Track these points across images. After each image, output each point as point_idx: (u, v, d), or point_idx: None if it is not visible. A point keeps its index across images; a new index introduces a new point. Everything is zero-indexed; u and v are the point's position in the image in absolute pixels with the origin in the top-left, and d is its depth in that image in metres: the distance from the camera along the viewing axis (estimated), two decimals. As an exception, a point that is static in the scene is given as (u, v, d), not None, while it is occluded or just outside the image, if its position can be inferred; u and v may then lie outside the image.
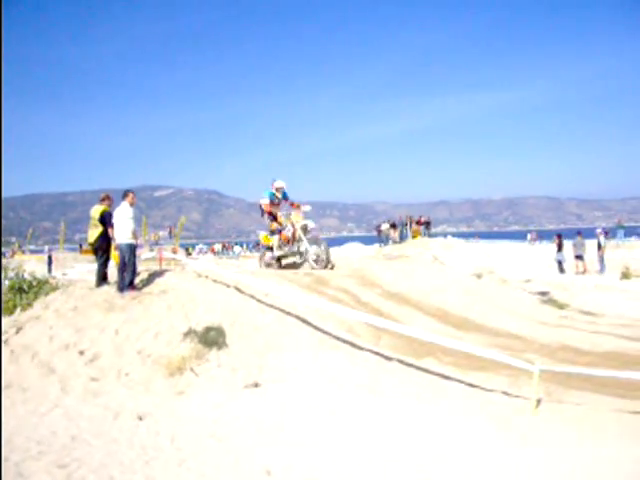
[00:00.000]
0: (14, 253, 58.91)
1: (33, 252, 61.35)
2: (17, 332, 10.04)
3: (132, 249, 11.32)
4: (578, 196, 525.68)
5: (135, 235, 11.44)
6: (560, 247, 26.99)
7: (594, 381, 8.44)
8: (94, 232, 11.47)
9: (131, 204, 11.55)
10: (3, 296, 11.68)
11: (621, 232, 43.53)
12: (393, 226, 40.27)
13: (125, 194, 11.59)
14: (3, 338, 9.80)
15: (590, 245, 27.64)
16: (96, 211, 11.47)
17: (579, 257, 26.50)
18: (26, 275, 12.80)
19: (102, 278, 11.78)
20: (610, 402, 7.68)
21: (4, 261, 27.80)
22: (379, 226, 42.08)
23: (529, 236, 56.09)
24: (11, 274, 12.54)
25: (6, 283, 12.23)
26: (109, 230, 11.30)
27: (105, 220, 11.35)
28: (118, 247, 11.26)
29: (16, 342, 9.71)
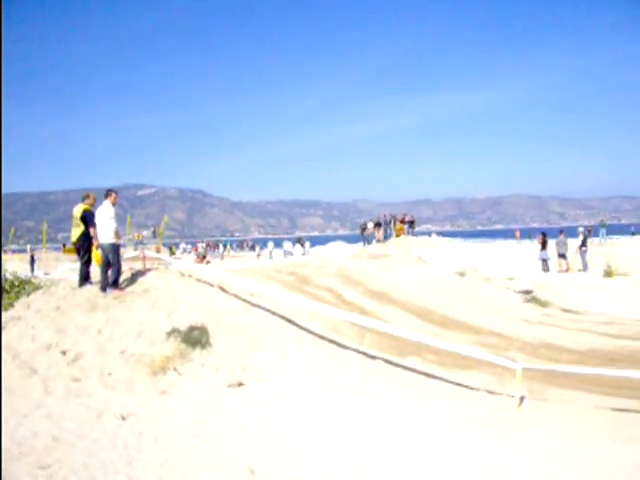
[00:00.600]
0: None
1: (15, 252, 60.88)
2: (-1, 332, 9.97)
3: (115, 249, 11.23)
4: (561, 195, 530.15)
5: (118, 234, 11.36)
6: (544, 245, 27.12)
7: (577, 379, 8.48)
8: (76, 231, 11.36)
9: (113, 203, 11.47)
10: None
11: (604, 231, 43.85)
12: (377, 225, 40.27)
13: (107, 193, 11.50)
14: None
15: (573, 244, 27.79)
16: (78, 210, 11.37)
17: (562, 255, 26.61)
18: (8, 275, 12.70)
19: (84, 278, 11.69)
20: (593, 399, 7.73)
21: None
22: (363, 225, 42.05)
23: (517, 234, 56.42)
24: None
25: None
26: (91, 229, 11.20)
27: (87, 219, 11.25)
28: (101, 247, 11.17)
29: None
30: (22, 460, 5.65)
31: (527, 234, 59.42)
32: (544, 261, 26.89)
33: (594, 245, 34.36)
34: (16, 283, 12.27)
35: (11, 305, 11.18)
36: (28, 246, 49.63)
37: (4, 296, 11.53)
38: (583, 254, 26.78)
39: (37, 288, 11.89)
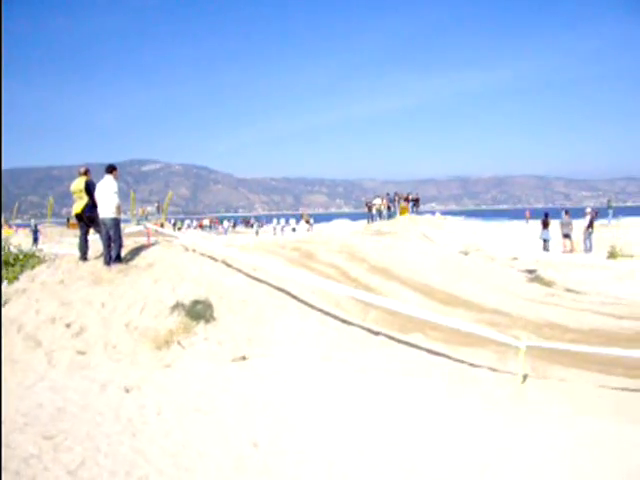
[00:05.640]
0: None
1: (19, 226, 61.03)
2: (3, 305, 10.00)
3: (116, 223, 11.21)
4: (566, 175, 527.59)
5: (119, 209, 11.31)
6: (546, 225, 27.09)
7: (579, 357, 8.48)
8: (80, 203, 11.30)
9: (115, 179, 11.42)
10: None
11: (610, 212, 43.57)
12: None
13: (111, 168, 11.45)
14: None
15: (578, 224, 27.68)
16: (79, 183, 11.29)
17: (566, 236, 26.56)
18: (12, 248, 12.74)
19: (85, 251, 11.60)
20: (594, 378, 7.73)
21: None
22: (369, 202, 41.91)
23: (528, 214, 56.10)
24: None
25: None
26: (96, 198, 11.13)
27: (90, 190, 11.19)
28: (102, 221, 11.13)
29: (2, 315, 9.67)
30: (27, 431, 5.69)
31: (537, 214, 59.17)
32: (545, 241, 26.88)
33: (600, 227, 34.12)
34: (20, 256, 12.31)
35: (16, 278, 11.22)
36: (32, 220, 49.58)
37: (8, 269, 11.57)
38: (589, 235, 26.66)
39: (41, 261, 11.91)
